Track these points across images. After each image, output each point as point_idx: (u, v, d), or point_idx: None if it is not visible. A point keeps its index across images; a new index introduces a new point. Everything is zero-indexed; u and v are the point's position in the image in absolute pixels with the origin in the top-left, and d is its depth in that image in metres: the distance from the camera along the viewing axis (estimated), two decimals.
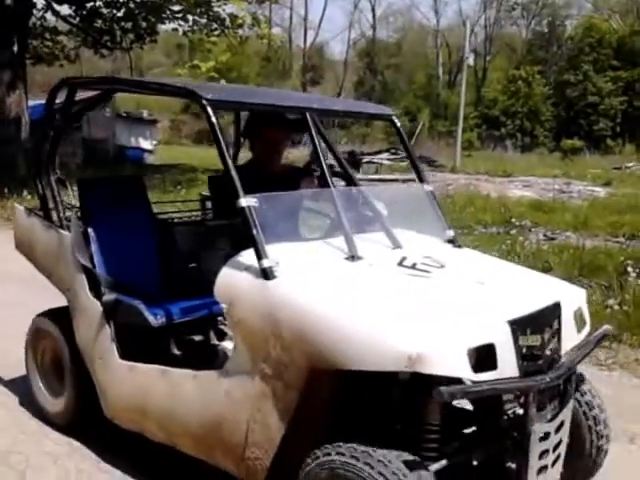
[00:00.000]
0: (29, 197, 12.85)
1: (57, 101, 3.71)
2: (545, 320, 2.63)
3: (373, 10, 60.30)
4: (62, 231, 3.55)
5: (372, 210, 3.26)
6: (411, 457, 2.30)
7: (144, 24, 19.01)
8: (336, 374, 2.41)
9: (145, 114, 27.67)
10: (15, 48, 15.91)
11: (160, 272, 3.51)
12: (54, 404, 3.79)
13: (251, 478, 2.70)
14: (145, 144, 26.23)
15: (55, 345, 3.77)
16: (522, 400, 2.52)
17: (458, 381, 2.36)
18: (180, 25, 18.95)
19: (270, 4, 30.47)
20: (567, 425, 2.75)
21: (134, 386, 3.20)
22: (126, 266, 3.53)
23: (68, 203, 3.76)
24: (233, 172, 2.71)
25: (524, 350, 2.47)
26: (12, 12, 15.80)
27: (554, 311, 2.70)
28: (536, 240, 9.30)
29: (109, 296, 3.34)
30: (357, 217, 3.17)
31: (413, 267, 2.83)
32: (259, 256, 2.58)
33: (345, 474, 2.27)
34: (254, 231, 2.61)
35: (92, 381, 3.44)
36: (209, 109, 2.83)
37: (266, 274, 2.56)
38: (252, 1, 18.81)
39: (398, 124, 3.73)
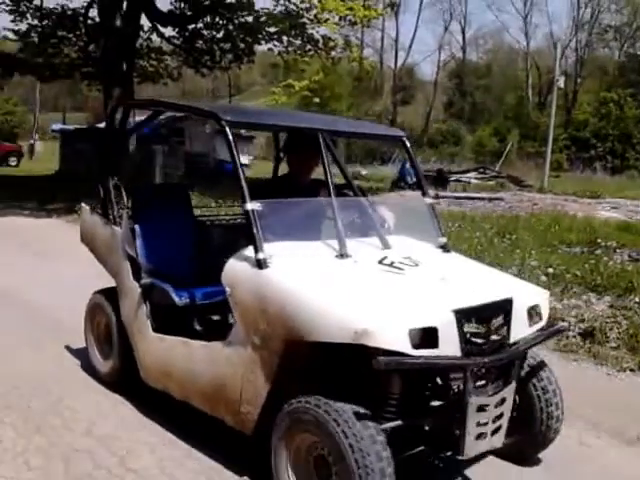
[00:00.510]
0: None
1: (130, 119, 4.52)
2: (492, 312, 3.07)
3: (463, 32, 60.43)
4: (115, 227, 4.32)
5: (378, 218, 3.80)
6: (363, 411, 2.80)
7: (242, 45, 19.81)
8: (308, 344, 2.94)
9: (243, 131, 28.75)
10: (124, 67, 17.00)
11: (194, 263, 4.07)
12: (103, 365, 4.62)
13: (244, 429, 3.32)
14: (242, 159, 27.16)
15: (106, 318, 4.55)
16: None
17: (401, 355, 2.75)
18: (275, 46, 19.68)
19: (362, 26, 31.01)
20: (509, 401, 3.18)
21: (162, 354, 3.89)
22: (165, 257, 4.23)
23: (123, 204, 4.42)
24: (243, 181, 3.26)
25: (468, 335, 2.93)
26: (122, 34, 16.94)
27: (504, 305, 3.14)
28: (620, 261, 9.23)
29: (146, 280, 4.07)
30: (358, 223, 3.71)
31: (390, 265, 3.34)
32: (256, 250, 3.16)
33: (307, 418, 2.85)
34: (254, 229, 3.19)
35: (132, 348, 4.17)
36: (227, 128, 3.40)
37: (260, 264, 3.14)
38: (345, 25, 19.36)
39: (408, 145, 4.24)
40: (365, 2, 19.22)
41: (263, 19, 18.01)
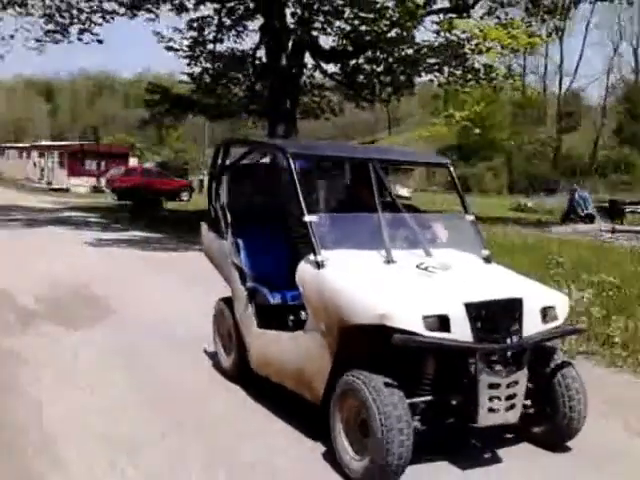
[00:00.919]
0: None
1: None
2: (502, 308, 3.72)
3: (635, 53, 56.87)
4: (224, 241, 5.19)
5: (429, 233, 4.59)
6: (391, 382, 3.50)
7: (402, 77, 19.88)
8: (358, 330, 3.67)
9: None
10: (288, 104, 17.61)
11: (288, 271, 4.47)
12: (226, 361, 5.45)
13: (314, 400, 4.07)
14: (401, 191, 27.27)
15: (226, 320, 5.41)
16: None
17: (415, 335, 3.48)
18: (436, 77, 19.61)
19: (525, 53, 30.15)
20: (522, 384, 3.79)
21: (263, 346, 4.74)
22: (263, 265, 5.04)
23: (227, 222, 5.26)
24: (300, 196, 4.12)
25: (479, 325, 3.59)
26: (287, 72, 17.61)
27: (513, 303, 3.76)
28: None
29: (249, 285, 4.92)
30: (409, 237, 4.41)
31: (425, 269, 4.01)
32: (314, 254, 3.96)
33: (351, 387, 3.60)
34: (312, 238, 3.99)
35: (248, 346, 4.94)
36: (290, 160, 4.28)
37: (318, 265, 3.93)
38: (507, 54, 18.87)
39: (452, 170, 5.03)
40: (528, 28, 18.63)
41: (424, 51, 17.97)
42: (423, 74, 19.63)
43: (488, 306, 3.68)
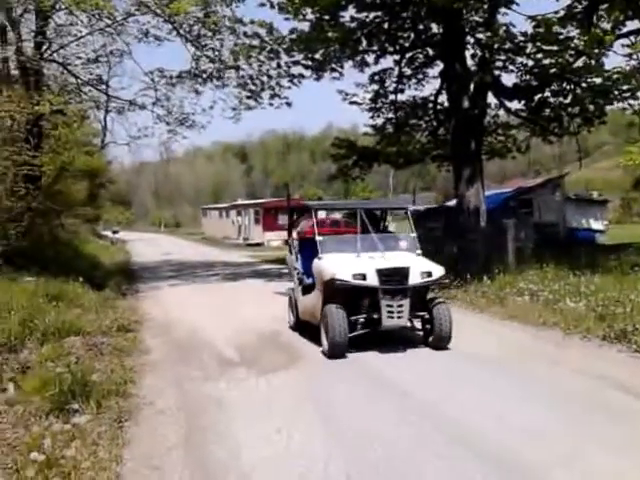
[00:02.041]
0: (488, 281, 13.74)
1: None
2: (397, 271, 8.85)
3: None
4: (291, 255, 11.13)
5: (393, 244, 9.94)
6: (339, 307, 8.69)
7: (591, 107, 19.03)
8: (329, 284, 8.94)
9: (595, 195, 27.34)
10: (472, 146, 17.44)
11: None
12: (291, 320, 11.00)
13: (316, 323, 9.33)
14: (595, 224, 25.79)
15: (291, 298, 11.05)
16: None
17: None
18: (630, 105, 18.49)
19: None
20: (406, 306, 8.84)
21: (304, 303, 10.22)
22: (306, 267, 10.18)
23: (294, 247, 11.09)
24: (315, 225, 10.06)
25: (383, 278, 8.72)
26: (469, 114, 17.49)
27: (404, 268, 8.90)
28: None
29: (299, 276, 10.55)
30: (375, 246, 9.47)
31: (371, 258, 9.20)
32: (319, 255, 9.51)
33: (324, 312, 8.85)
34: (319, 248, 9.56)
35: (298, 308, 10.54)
36: (313, 211, 10.50)
37: (319, 258, 9.46)
38: None
39: (409, 214, 11.00)
40: None
41: (615, 77, 17.05)
42: (615, 102, 18.59)
43: (388, 270, 8.82)
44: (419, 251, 9.72)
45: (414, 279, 8.88)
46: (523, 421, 5.92)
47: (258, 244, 40.81)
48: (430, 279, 9.11)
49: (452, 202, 23.53)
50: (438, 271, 9.20)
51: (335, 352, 8.53)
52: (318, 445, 5.37)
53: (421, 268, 9.08)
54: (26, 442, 5.35)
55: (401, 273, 8.80)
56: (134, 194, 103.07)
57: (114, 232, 51.79)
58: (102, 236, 51.64)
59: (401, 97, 21.45)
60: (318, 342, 9.25)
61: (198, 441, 5.69)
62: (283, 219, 44.09)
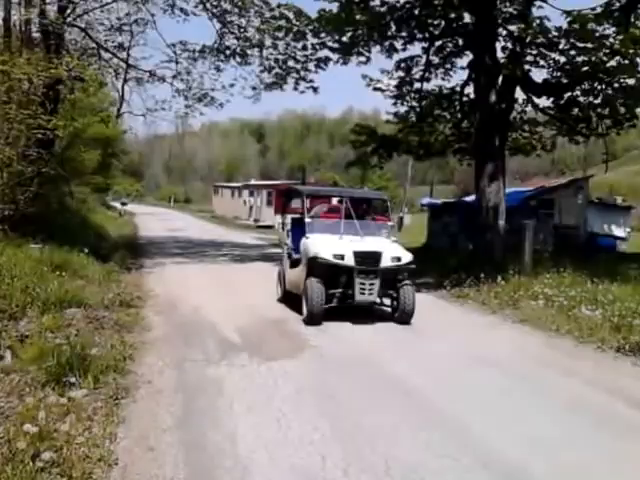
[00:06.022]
0: (502, 282, 13.34)
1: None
2: (371, 254, 10.40)
3: None
4: (283, 232, 12.91)
5: (374, 229, 11.52)
6: (318, 280, 10.12)
7: (622, 109, 18.54)
8: (311, 259, 10.47)
9: (619, 200, 26.66)
10: (496, 141, 16.99)
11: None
12: (279, 293, 12.33)
13: (300, 294, 10.59)
14: (618, 231, 25.12)
15: (280, 271, 12.47)
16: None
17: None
18: None
19: None
20: (377, 284, 10.45)
21: (291, 276, 11.60)
22: (295, 242, 11.65)
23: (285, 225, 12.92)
24: (306, 211, 11.63)
25: (359, 259, 10.26)
26: (496, 108, 17.04)
27: (377, 252, 10.45)
28: None
29: (288, 250, 12.07)
30: (356, 230, 10.90)
31: (351, 241, 10.65)
32: (305, 235, 11.01)
33: (306, 285, 10.30)
34: (307, 228, 11.05)
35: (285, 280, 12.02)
36: (304, 196, 12.15)
37: (307, 237, 10.93)
38: None
39: (387, 205, 12.90)
40: None
41: None
42: None
43: (363, 253, 10.31)
44: (394, 238, 11.49)
45: (385, 262, 10.40)
46: (527, 430, 5.73)
47: (269, 226, 40.48)
48: (399, 263, 10.55)
49: (470, 197, 23.09)
50: (407, 257, 10.66)
51: (313, 319, 9.99)
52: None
53: (392, 253, 10.55)
54: (20, 413, 5.24)
55: (374, 256, 10.35)
56: (146, 166, 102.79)
57: (123, 204, 51.38)
58: (110, 207, 51.40)
59: (427, 86, 20.92)
60: (320, 330, 9.74)
61: (195, 424, 5.61)
62: (296, 202, 43.87)
